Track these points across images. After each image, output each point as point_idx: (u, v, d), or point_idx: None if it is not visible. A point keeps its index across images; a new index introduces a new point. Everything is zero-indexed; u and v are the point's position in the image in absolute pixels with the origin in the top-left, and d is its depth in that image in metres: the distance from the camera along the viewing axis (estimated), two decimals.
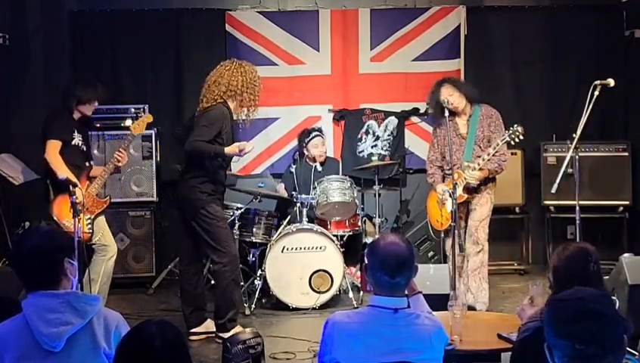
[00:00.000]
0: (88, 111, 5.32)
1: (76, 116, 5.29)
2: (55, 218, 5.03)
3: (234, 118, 5.14)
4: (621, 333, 1.84)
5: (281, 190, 6.64)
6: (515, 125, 5.27)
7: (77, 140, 5.25)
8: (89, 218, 5.10)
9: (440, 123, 5.59)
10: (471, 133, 5.45)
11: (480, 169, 5.35)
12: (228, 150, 4.96)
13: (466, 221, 5.54)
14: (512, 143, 5.33)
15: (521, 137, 5.28)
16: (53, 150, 5.07)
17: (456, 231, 5.08)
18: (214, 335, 5.11)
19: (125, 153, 5.32)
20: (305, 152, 6.62)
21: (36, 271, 2.47)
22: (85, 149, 5.37)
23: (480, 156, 5.36)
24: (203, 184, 5.01)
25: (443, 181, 5.60)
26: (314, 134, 6.63)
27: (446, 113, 5.23)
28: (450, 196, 5.09)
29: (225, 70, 5.09)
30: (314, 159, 6.51)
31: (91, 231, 5.12)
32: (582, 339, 1.78)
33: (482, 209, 5.50)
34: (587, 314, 1.81)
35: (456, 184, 5.13)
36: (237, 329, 4.87)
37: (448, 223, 5.34)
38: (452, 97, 5.41)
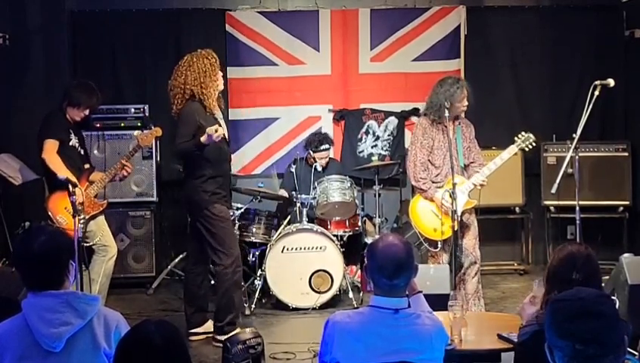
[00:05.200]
0: (76, 116, 5.24)
1: (68, 116, 5.25)
2: (49, 213, 5.01)
3: (211, 109, 4.99)
4: (621, 334, 1.84)
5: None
6: (527, 133, 5.19)
7: (74, 141, 5.24)
8: (83, 218, 5.07)
9: (439, 122, 5.14)
10: (459, 140, 5.24)
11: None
12: (202, 139, 4.80)
13: (461, 237, 5.11)
14: (526, 150, 5.30)
15: (534, 144, 5.25)
16: (51, 149, 5.04)
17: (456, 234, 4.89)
18: (212, 335, 5.10)
19: (129, 164, 5.31)
20: (309, 154, 6.60)
21: (45, 270, 2.47)
22: (82, 151, 5.36)
23: (473, 162, 5.28)
24: (206, 183, 4.96)
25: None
26: (325, 146, 6.57)
27: (446, 114, 4.99)
28: (451, 196, 4.78)
29: (180, 71, 5.00)
30: (314, 160, 6.51)
31: (83, 231, 5.10)
32: (582, 340, 1.79)
33: (474, 224, 5.27)
34: (587, 315, 1.81)
35: (455, 184, 4.80)
36: (236, 330, 4.85)
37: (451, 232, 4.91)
38: (463, 101, 5.14)
